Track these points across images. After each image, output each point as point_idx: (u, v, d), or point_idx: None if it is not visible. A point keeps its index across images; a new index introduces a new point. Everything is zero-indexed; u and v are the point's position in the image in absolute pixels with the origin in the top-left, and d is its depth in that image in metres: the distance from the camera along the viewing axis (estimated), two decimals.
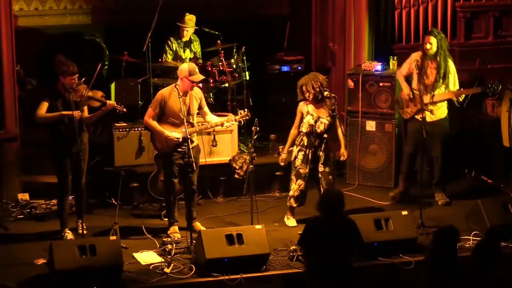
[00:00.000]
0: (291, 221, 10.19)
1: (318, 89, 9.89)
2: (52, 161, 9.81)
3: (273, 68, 13.06)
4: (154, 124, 9.72)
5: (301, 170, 10.02)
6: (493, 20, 12.41)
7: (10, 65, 10.74)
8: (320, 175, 9.99)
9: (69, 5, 13.29)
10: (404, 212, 9.60)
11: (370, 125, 11.35)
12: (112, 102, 9.91)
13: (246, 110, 10.04)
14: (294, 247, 9.24)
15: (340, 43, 12.13)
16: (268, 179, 11.25)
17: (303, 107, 10.02)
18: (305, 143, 9.99)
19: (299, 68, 13.01)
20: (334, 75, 12.49)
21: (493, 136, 11.53)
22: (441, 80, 10.46)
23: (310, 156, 9.97)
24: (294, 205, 10.11)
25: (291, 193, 10.11)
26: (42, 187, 10.81)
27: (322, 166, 9.97)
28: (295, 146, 10.06)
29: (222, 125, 9.91)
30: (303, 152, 10.00)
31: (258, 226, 9.21)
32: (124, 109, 9.94)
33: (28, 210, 10.51)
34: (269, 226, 9.72)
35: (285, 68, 13.01)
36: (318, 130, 9.91)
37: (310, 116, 9.94)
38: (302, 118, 10.01)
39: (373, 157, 11.31)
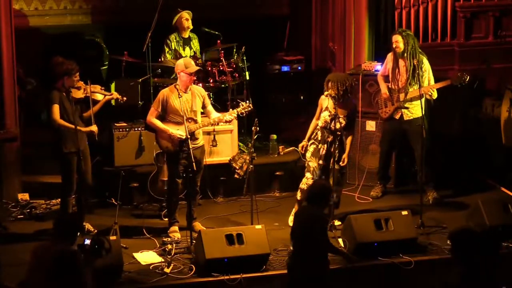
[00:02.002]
0: (291, 219, 10.18)
1: (341, 92, 9.81)
2: (58, 160, 9.78)
3: (273, 68, 13.07)
4: (157, 122, 9.73)
5: (310, 163, 9.97)
6: (493, 20, 12.41)
7: (10, 65, 10.74)
8: (330, 172, 9.92)
9: (69, 5, 13.29)
10: (404, 212, 9.59)
11: (370, 125, 11.35)
12: (113, 91, 9.94)
13: (247, 102, 10.04)
14: None
15: (340, 43, 12.12)
16: (268, 179, 11.25)
17: (324, 100, 9.95)
18: (319, 138, 9.95)
19: (299, 68, 13.02)
20: None
21: (493, 136, 11.53)
22: (411, 77, 10.48)
23: (322, 152, 9.93)
24: (299, 197, 10.08)
25: (300, 185, 10.12)
26: (42, 187, 10.81)
27: (334, 163, 9.87)
28: (311, 140, 10.05)
29: (224, 119, 9.88)
30: (315, 146, 9.96)
31: (258, 226, 9.21)
32: (125, 98, 9.98)
33: (28, 210, 10.50)
34: (269, 226, 9.71)
35: (285, 68, 13.01)
36: (333, 128, 9.88)
37: (328, 112, 9.89)
38: (321, 111, 9.97)
39: (373, 157, 11.31)
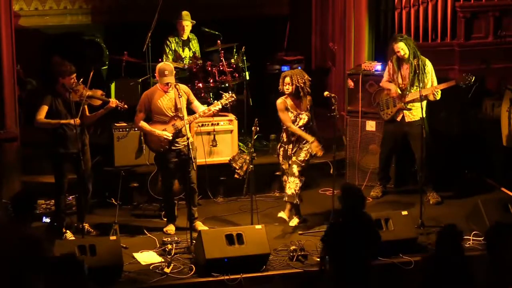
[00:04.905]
0: (292, 221, 10.18)
1: (301, 85, 9.87)
2: (50, 161, 9.84)
3: (273, 68, 13.06)
4: (144, 125, 9.82)
5: (283, 167, 10.10)
6: (493, 20, 12.42)
7: (10, 65, 10.75)
8: (290, 163, 9.99)
9: (69, 5, 13.29)
10: (404, 212, 9.60)
11: (370, 125, 11.35)
12: (113, 99, 9.93)
13: (230, 92, 10.07)
14: (294, 247, 9.26)
15: (340, 43, 12.13)
16: (268, 179, 11.24)
17: (281, 104, 9.98)
18: (285, 139, 10.04)
19: (299, 68, 13.00)
20: (334, 75, 12.49)
21: (493, 136, 11.53)
22: (415, 79, 10.47)
23: (289, 152, 10.00)
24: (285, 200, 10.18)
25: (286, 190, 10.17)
26: (42, 187, 10.80)
27: (294, 156, 9.96)
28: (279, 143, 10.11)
29: (210, 111, 9.87)
30: (283, 148, 10.07)
31: (258, 226, 9.21)
32: (125, 106, 9.95)
33: None
34: (269, 226, 9.72)
35: (285, 68, 12.97)
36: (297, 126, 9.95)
37: (291, 113, 9.95)
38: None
39: (373, 157, 11.31)
